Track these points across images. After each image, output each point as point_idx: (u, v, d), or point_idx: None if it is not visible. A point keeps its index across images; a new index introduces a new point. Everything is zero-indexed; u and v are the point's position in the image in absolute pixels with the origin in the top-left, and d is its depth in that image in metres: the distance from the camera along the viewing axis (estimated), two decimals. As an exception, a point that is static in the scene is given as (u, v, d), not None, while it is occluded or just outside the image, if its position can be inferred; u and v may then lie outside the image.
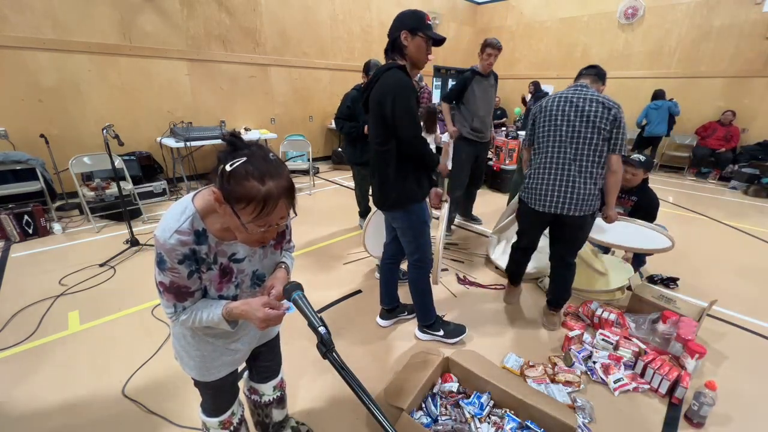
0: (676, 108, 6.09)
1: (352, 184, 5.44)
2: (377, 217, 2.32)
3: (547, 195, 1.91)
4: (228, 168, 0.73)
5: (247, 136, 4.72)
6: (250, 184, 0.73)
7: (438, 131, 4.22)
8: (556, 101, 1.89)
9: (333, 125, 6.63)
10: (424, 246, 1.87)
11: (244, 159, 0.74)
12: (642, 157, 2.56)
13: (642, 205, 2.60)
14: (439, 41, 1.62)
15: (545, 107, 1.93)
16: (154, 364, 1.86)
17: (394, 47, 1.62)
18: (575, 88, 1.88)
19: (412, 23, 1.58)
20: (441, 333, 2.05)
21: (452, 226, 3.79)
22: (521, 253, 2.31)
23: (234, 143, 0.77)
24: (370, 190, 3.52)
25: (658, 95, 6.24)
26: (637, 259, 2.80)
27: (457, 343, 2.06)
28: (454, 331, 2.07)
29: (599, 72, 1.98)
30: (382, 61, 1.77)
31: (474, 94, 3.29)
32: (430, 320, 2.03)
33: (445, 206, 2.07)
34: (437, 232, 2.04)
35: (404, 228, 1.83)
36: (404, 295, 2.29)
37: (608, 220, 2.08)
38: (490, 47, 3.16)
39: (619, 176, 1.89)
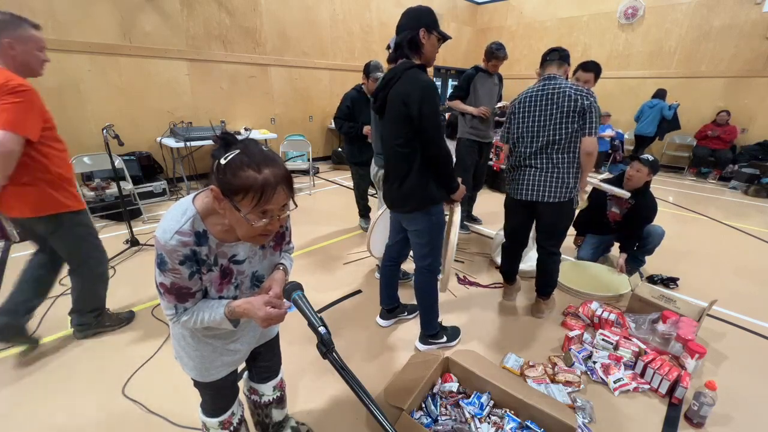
0: (668, 110, 6.03)
1: (351, 183, 5.45)
2: (383, 220, 2.31)
3: (524, 184, 2.03)
4: (223, 161, 0.74)
5: (244, 136, 4.72)
6: (247, 174, 0.73)
7: None
8: (528, 97, 2.00)
9: (333, 125, 6.66)
10: (437, 250, 1.84)
11: (238, 151, 0.75)
12: (651, 157, 2.56)
13: (639, 209, 2.60)
14: (446, 39, 1.62)
15: (519, 104, 2.04)
16: (154, 364, 1.86)
17: (411, 45, 1.55)
18: (544, 82, 1.97)
19: (429, 21, 1.53)
20: (444, 339, 2.03)
21: (465, 222, 3.78)
22: (511, 250, 2.39)
23: (226, 139, 0.78)
24: (370, 190, 3.54)
25: (658, 94, 6.24)
26: (635, 260, 2.81)
27: (456, 344, 2.06)
28: (453, 333, 2.07)
29: (562, 54, 2.02)
30: (382, 61, 1.76)
31: (476, 92, 3.27)
32: (434, 329, 1.99)
33: (457, 210, 1.96)
34: (450, 239, 1.91)
35: (422, 230, 1.77)
36: (404, 295, 2.29)
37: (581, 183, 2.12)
38: (496, 59, 3.17)
39: (593, 158, 1.95)
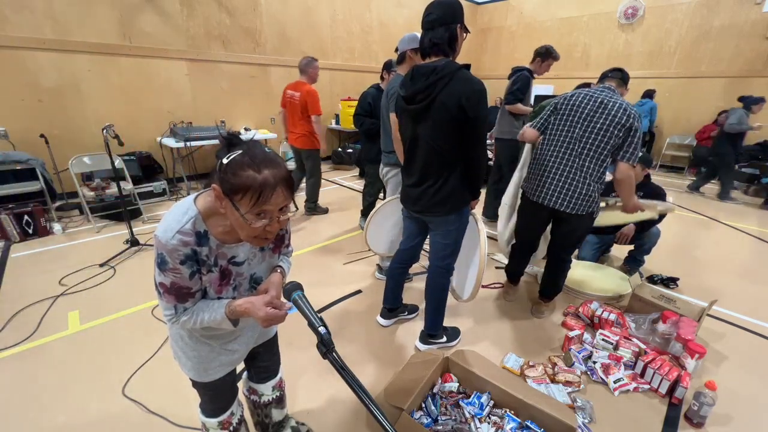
0: (654, 112, 6.27)
1: (351, 184, 5.44)
2: (380, 215, 2.31)
3: (547, 188, 1.95)
4: (225, 161, 0.75)
5: (246, 136, 4.73)
6: (246, 173, 0.74)
7: None
8: (583, 97, 1.89)
9: (333, 125, 6.66)
10: (458, 252, 1.84)
11: (240, 151, 0.76)
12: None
13: (649, 196, 2.62)
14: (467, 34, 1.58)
15: (570, 100, 1.93)
16: (154, 364, 1.86)
17: (451, 41, 1.48)
18: (602, 89, 1.88)
19: (463, 17, 1.48)
20: (444, 339, 2.03)
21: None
22: (521, 253, 2.36)
23: (230, 140, 0.79)
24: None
25: (647, 94, 6.36)
26: (634, 259, 2.81)
27: (456, 344, 2.06)
28: (453, 333, 2.07)
29: (624, 76, 1.98)
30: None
31: (528, 94, 3.32)
32: (438, 329, 1.99)
33: (481, 223, 1.92)
34: (481, 248, 1.80)
35: (452, 231, 1.75)
36: (404, 295, 2.28)
37: (627, 210, 2.03)
38: (553, 59, 3.26)
39: (626, 185, 1.86)
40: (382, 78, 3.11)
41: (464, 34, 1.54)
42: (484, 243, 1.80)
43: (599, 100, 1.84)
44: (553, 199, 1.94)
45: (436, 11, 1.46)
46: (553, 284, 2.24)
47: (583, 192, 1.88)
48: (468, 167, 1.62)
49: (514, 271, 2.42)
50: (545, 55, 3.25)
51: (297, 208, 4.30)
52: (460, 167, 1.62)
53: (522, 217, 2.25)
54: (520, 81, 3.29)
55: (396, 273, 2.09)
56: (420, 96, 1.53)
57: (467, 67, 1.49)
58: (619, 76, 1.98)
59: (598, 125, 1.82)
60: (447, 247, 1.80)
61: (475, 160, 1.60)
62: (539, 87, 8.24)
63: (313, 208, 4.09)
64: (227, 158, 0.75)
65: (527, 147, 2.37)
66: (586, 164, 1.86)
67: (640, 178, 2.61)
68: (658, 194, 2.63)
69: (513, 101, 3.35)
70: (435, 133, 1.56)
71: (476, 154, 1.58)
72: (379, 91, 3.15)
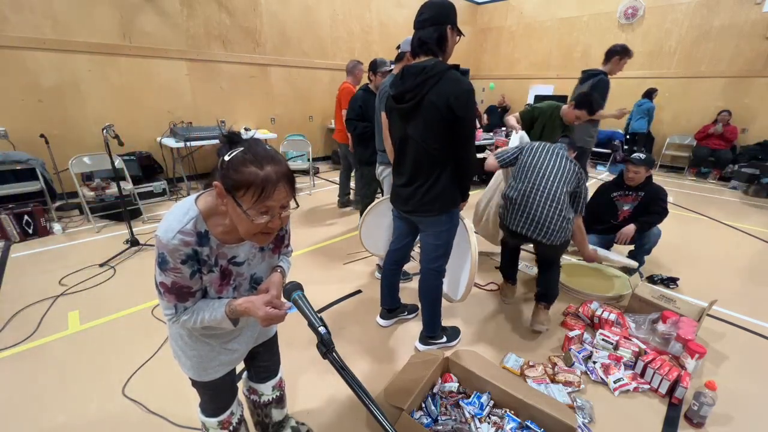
0: (651, 113, 6.32)
1: (352, 184, 5.43)
2: (373, 214, 2.31)
3: (521, 220, 2.01)
4: (227, 158, 0.76)
5: (247, 136, 4.72)
6: (249, 170, 0.74)
7: None
8: (545, 146, 2.13)
9: (333, 125, 6.64)
10: (449, 253, 1.84)
11: (242, 149, 0.76)
12: (642, 156, 2.57)
13: (651, 195, 2.63)
14: (461, 36, 1.58)
15: (534, 145, 2.16)
16: (154, 364, 1.86)
17: (439, 42, 1.48)
18: (559, 146, 2.17)
19: (455, 18, 1.49)
20: (444, 339, 2.03)
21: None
22: (511, 252, 2.41)
23: (231, 138, 0.79)
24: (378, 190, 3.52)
25: (647, 94, 6.38)
26: (634, 259, 2.81)
27: (456, 344, 2.06)
28: (453, 333, 2.07)
29: (571, 141, 2.29)
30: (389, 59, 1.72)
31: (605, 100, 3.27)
32: (436, 331, 1.99)
33: (470, 225, 1.94)
34: (471, 250, 1.85)
35: (442, 232, 1.75)
36: (404, 295, 2.28)
37: (585, 259, 2.35)
38: (629, 57, 3.25)
39: (579, 235, 2.16)
40: (369, 79, 3.10)
41: (457, 37, 1.54)
42: (474, 243, 1.80)
43: (557, 151, 2.10)
44: (530, 230, 1.98)
45: (428, 11, 1.48)
46: (548, 286, 2.19)
47: (557, 226, 1.93)
48: (457, 167, 1.63)
49: (507, 269, 2.46)
50: (623, 53, 3.17)
51: (297, 205, 4.30)
52: (450, 167, 1.62)
53: (505, 233, 2.29)
54: (602, 86, 3.19)
55: (389, 273, 2.09)
56: (409, 95, 1.54)
57: (456, 67, 1.50)
58: (567, 141, 2.27)
59: (563, 169, 2.01)
60: (438, 248, 1.80)
61: (465, 159, 1.61)
62: (540, 87, 8.26)
63: (348, 201, 4.35)
64: (229, 155, 0.76)
65: (499, 173, 2.56)
66: (556, 200, 1.94)
67: (642, 179, 2.61)
68: (658, 195, 2.63)
69: (595, 110, 3.30)
70: (425, 132, 1.56)
71: (465, 153, 1.59)
72: (368, 92, 3.12)
